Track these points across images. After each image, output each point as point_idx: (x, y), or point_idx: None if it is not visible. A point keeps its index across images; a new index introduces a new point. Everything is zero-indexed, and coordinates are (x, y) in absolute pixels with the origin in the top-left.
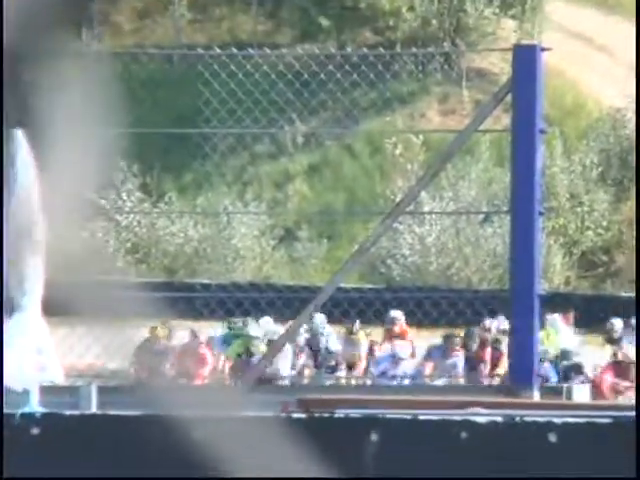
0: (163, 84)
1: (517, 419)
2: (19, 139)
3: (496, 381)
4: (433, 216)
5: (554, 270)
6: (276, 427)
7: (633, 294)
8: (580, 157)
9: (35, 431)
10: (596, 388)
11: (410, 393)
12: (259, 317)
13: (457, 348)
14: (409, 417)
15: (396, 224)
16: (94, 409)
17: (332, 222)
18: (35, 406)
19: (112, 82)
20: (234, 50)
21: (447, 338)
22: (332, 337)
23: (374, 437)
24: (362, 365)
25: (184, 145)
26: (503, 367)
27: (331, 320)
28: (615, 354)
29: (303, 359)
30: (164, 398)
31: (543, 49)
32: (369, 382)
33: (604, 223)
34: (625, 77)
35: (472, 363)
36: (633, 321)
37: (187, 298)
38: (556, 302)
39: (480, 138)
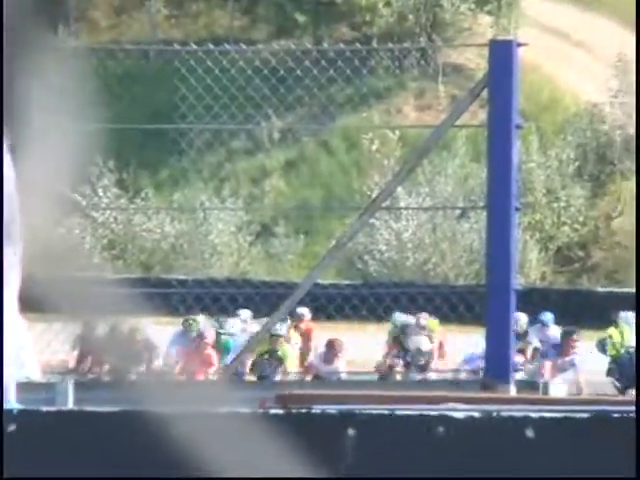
0: (139, 80)
1: (494, 414)
2: None
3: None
4: (410, 212)
5: (530, 265)
6: (253, 423)
7: (609, 289)
8: (556, 152)
9: (11, 428)
10: None
11: (386, 388)
12: (235, 314)
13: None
14: (386, 412)
15: (373, 220)
16: (71, 405)
17: (309, 218)
18: (13, 403)
19: (88, 78)
20: (211, 46)
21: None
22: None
23: (351, 432)
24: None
25: (160, 141)
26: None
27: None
28: (523, 350)
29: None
30: (145, 393)
31: (519, 44)
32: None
33: (580, 218)
34: (603, 72)
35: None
36: (541, 316)
37: (163, 294)
38: (532, 297)
39: (457, 133)
